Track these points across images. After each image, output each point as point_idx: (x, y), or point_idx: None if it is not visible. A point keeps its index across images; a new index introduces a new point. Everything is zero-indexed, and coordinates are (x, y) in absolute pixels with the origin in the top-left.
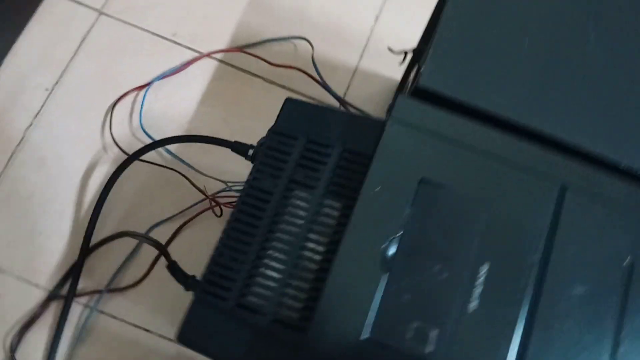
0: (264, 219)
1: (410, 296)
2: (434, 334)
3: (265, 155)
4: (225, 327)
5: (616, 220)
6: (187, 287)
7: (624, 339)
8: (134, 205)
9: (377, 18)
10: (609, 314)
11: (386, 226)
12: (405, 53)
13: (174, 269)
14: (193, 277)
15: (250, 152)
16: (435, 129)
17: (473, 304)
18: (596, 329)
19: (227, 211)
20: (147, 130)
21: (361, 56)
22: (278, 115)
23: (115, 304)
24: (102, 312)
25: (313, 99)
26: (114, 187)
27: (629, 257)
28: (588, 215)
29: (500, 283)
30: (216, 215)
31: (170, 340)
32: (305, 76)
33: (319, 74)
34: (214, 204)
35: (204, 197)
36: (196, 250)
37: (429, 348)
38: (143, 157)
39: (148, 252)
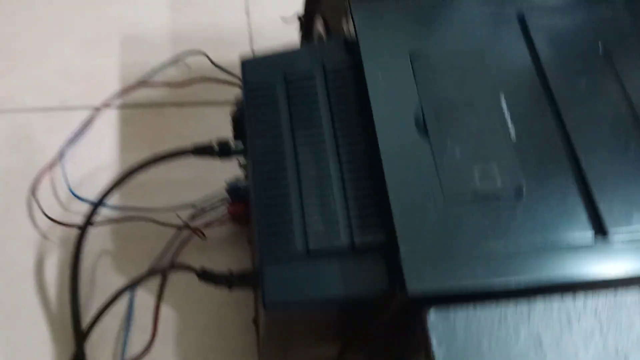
0: (288, 170)
1: (459, 148)
2: (495, 169)
3: (251, 117)
4: (308, 270)
5: (577, 18)
6: (231, 284)
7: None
8: (105, 275)
9: (247, 12)
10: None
11: (405, 101)
12: (299, 17)
13: (207, 275)
14: (230, 271)
15: (216, 147)
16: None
17: (512, 133)
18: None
19: (212, 232)
20: (81, 197)
21: (252, 47)
22: (243, 78)
23: None
24: None
25: (228, 102)
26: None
27: (599, 44)
28: (552, 27)
29: (525, 111)
30: (202, 237)
31: None
32: (213, 83)
33: (225, 71)
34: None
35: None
36: (194, 285)
37: (498, 183)
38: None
39: (144, 309)
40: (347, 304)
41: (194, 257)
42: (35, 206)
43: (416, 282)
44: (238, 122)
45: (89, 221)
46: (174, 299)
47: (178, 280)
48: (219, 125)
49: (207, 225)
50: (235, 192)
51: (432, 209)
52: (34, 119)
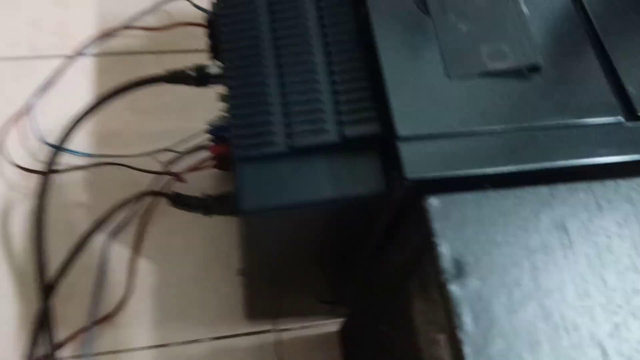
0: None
1: (465, 25)
2: (506, 47)
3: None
4: (291, 170)
5: None
6: (208, 209)
7: None
8: (79, 227)
9: None
10: None
11: None
12: None
13: (181, 199)
14: (206, 194)
15: (192, 72)
16: None
17: (525, 9)
18: None
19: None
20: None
21: None
22: None
23: (110, 336)
24: (98, 353)
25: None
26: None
27: None
28: None
29: None
30: (183, 181)
31: (196, 341)
32: (196, 29)
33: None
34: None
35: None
36: (176, 235)
37: (510, 62)
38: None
39: (119, 262)
40: (337, 207)
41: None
42: (4, 155)
43: (416, 168)
44: (213, 27)
45: (52, 163)
46: (152, 252)
47: (157, 233)
48: None
49: (189, 170)
50: (218, 132)
51: (434, 90)
52: (3, 68)
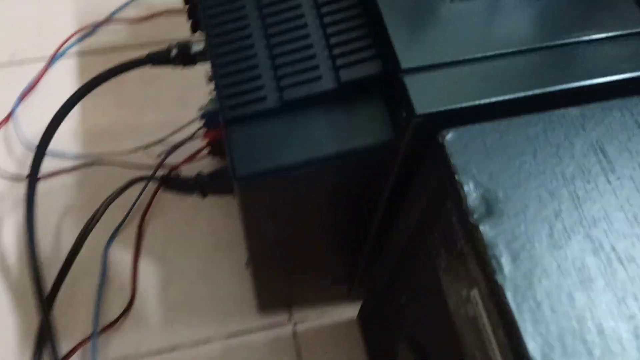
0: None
1: None
2: None
3: None
4: (287, 128)
5: None
6: (203, 189)
7: None
8: (70, 227)
9: None
10: None
11: None
12: None
13: (172, 182)
14: (198, 174)
15: (174, 51)
16: None
17: None
18: None
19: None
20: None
21: None
22: None
23: (117, 343)
24: None
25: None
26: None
27: None
28: None
29: None
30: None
31: (208, 341)
32: (180, 17)
33: None
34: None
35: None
36: (177, 232)
37: None
38: (48, 172)
39: (119, 265)
40: (342, 163)
41: (172, 202)
42: None
43: (426, 102)
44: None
45: (38, 167)
46: (154, 251)
47: (156, 231)
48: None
49: (184, 162)
50: (210, 117)
51: (437, 14)
52: None
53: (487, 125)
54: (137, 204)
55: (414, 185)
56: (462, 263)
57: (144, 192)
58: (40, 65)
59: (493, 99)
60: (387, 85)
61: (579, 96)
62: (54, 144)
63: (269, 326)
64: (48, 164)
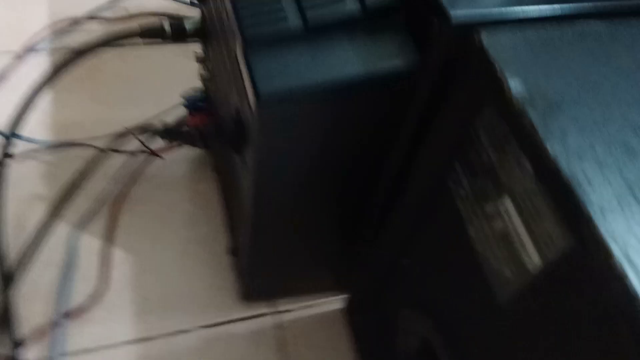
0: None
1: None
2: None
3: None
4: (310, 51)
5: None
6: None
7: None
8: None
9: None
10: None
11: None
12: None
13: (171, 133)
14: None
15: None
16: None
17: None
18: None
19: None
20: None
21: None
22: None
23: (85, 333)
24: (71, 352)
25: None
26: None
27: None
28: None
29: None
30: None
31: (184, 332)
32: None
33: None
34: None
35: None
36: (152, 222)
37: None
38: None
39: (90, 254)
40: (367, 87)
41: (148, 195)
42: None
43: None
44: None
45: (6, 152)
46: (127, 241)
47: (131, 220)
48: (166, 65)
49: (165, 150)
50: (194, 103)
51: None
52: None
53: (528, 30)
54: (110, 195)
55: (443, 108)
56: (490, 177)
57: (118, 183)
58: (11, 59)
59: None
60: (412, 4)
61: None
62: (26, 132)
63: (250, 317)
64: (19, 150)
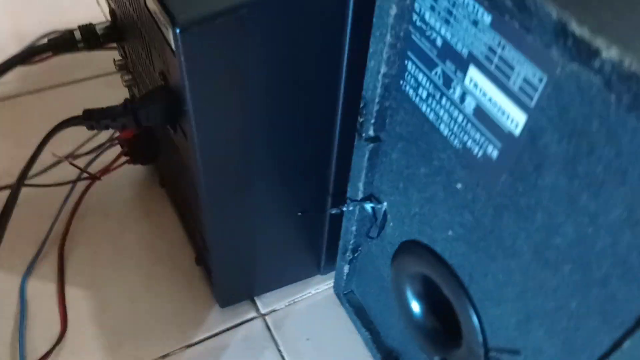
0: None
1: None
2: None
3: None
4: None
5: None
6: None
7: None
8: None
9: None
10: None
11: None
12: None
13: (94, 114)
14: (125, 100)
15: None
16: None
17: None
18: None
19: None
20: None
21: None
22: None
23: None
24: None
25: (100, 73)
26: None
27: None
28: None
29: None
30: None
31: (170, 354)
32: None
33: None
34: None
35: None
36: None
37: None
38: None
39: (44, 300)
40: None
41: (93, 224)
42: None
43: None
44: None
45: None
46: (81, 278)
47: (80, 256)
48: (91, 101)
49: (102, 173)
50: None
51: None
52: None
53: None
54: (53, 232)
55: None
56: (448, 54)
57: (59, 220)
58: None
59: None
60: None
61: None
62: None
63: (237, 324)
64: None
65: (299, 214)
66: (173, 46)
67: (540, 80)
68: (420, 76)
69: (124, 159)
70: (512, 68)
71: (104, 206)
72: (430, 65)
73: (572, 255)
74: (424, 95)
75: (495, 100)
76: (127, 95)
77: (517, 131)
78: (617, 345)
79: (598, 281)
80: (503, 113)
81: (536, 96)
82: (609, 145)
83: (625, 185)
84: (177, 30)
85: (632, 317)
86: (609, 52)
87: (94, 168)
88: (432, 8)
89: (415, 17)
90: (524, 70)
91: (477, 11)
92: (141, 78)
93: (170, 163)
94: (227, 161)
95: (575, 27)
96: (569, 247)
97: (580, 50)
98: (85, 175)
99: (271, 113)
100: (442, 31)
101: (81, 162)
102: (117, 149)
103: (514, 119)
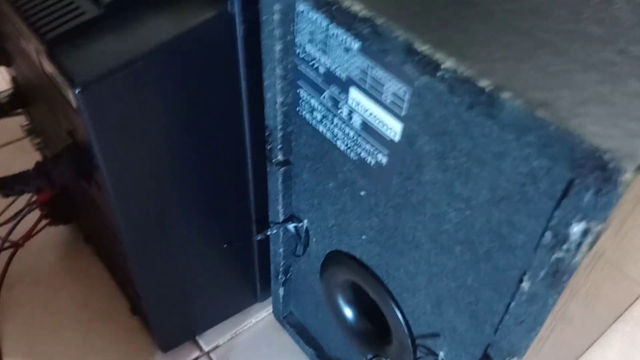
0: None
1: None
2: None
3: None
4: (117, 30)
5: None
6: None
7: None
8: None
9: None
10: None
11: None
12: None
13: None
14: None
15: None
16: None
17: None
18: None
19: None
20: None
21: None
22: None
23: None
24: None
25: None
26: None
27: None
28: None
29: None
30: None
31: None
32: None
33: None
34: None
35: None
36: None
37: None
38: None
39: None
40: (187, 46)
41: (24, 292)
42: None
43: None
44: None
45: None
46: (18, 349)
47: (15, 327)
48: (5, 168)
49: (25, 239)
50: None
51: None
52: None
53: None
54: None
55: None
56: (331, 79)
57: None
58: None
59: None
60: None
61: None
62: None
63: None
64: None
65: (225, 246)
66: (75, 106)
67: (405, 92)
68: (312, 101)
69: (45, 221)
70: (382, 85)
71: (32, 272)
72: (319, 90)
73: (459, 237)
74: (319, 117)
75: (375, 114)
76: (40, 158)
77: (397, 138)
78: (507, 309)
79: (483, 256)
80: (383, 124)
81: (405, 106)
82: (466, 139)
83: (484, 170)
84: (77, 91)
85: (514, 282)
86: (447, 64)
87: (15, 235)
88: (311, 41)
89: (298, 50)
90: (392, 86)
91: (346, 40)
92: (51, 139)
93: (91, 218)
94: (145, 206)
95: (419, 46)
96: (456, 231)
97: (426, 65)
98: (7, 244)
99: (181, 154)
100: (323, 60)
101: (1, 231)
102: (36, 213)
103: (393, 128)
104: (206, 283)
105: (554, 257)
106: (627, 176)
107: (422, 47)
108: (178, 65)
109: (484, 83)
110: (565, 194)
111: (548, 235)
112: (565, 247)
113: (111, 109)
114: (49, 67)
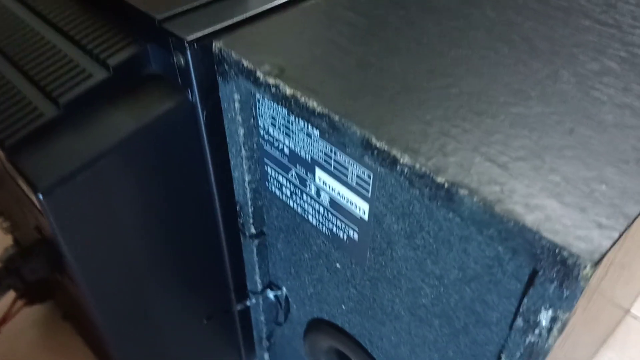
0: None
1: None
2: None
3: None
4: (76, 129)
5: None
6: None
7: None
8: None
9: None
10: None
11: None
12: None
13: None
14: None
15: None
16: None
17: None
18: None
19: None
20: None
21: None
22: None
23: None
24: None
25: None
26: None
27: None
28: None
29: None
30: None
31: None
32: None
33: None
34: None
35: None
36: None
37: None
38: None
39: None
40: (149, 138)
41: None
42: None
43: (191, 29)
44: None
45: None
46: None
47: None
48: None
49: (2, 322)
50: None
51: None
52: None
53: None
54: None
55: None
56: (298, 161)
57: None
58: None
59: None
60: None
61: None
62: None
63: None
64: None
65: (205, 322)
66: (39, 208)
67: (369, 176)
68: (280, 178)
69: (20, 302)
70: (346, 168)
71: (12, 354)
72: (285, 169)
73: (437, 312)
74: (288, 193)
75: (343, 193)
76: (9, 241)
77: (365, 217)
78: None
79: (461, 330)
80: (351, 203)
81: (370, 188)
82: (431, 222)
83: (452, 251)
84: (40, 196)
85: (493, 356)
86: (404, 159)
87: None
88: (273, 125)
89: (262, 132)
90: (356, 170)
91: (307, 126)
92: (18, 226)
93: (67, 296)
94: (121, 294)
95: (376, 141)
96: (433, 305)
97: (384, 159)
98: None
99: (153, 239)
100: (286, 142)
101: None
102: (11, 294)
103: (361, 207)
104: (190, 356)
105: (527, 340)
106: (587, 271)
107: (379, 143)
108: (141, 157)
109: (440, 179)
110: (530, 282)
111: (520, 320)
112: (537, 331)
113: (76, 209)
114: (12, 171)
